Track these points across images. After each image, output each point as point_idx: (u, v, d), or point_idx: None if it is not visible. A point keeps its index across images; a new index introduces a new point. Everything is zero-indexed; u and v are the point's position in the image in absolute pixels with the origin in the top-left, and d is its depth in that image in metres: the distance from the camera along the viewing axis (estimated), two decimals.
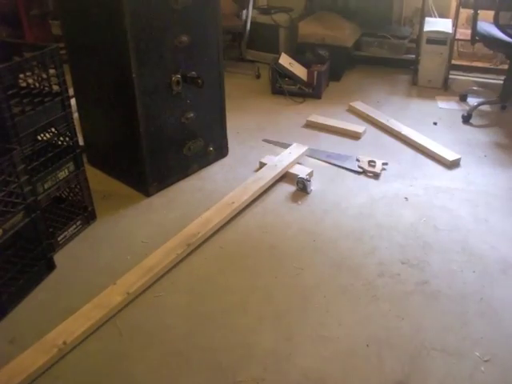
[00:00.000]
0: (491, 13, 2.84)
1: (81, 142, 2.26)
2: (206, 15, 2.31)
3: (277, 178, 2.48)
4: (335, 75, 3.74)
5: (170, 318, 1.74)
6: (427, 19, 3.68)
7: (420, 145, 2.80)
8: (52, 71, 1.87)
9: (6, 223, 1.68)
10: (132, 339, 1.66)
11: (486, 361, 1.56)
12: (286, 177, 2.53)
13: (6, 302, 1.75)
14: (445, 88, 3.60)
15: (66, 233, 2.08)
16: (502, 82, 3.29)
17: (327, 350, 1.61)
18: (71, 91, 2.14)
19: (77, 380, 1.53)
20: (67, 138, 2.01)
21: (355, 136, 2.94)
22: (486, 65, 3.95)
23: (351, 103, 3.29)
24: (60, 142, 2.00)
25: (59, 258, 2.00)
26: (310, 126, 3.06)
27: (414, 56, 3.75)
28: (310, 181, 2.41)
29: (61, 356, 1.57)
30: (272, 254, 2.04)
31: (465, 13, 3.71)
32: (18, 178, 1.70)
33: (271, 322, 1.72)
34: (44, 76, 1.86)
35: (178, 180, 2.51)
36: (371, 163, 2.61)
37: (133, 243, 2.09)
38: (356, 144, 2.88)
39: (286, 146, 2.76)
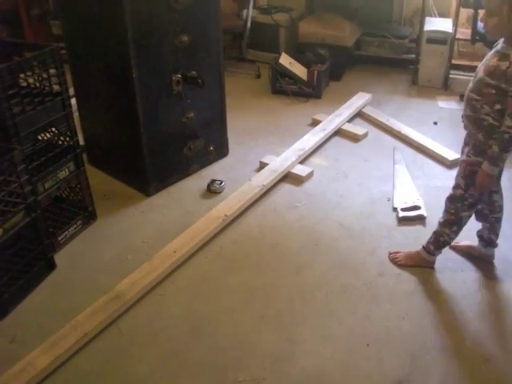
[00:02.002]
0: None
1: (81, 142, 2.27)
2: (207, 15, 2.31)
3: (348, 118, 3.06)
4: (335, 75, 3.73)
5: (170, 318, 1.74)
6: (427, 19, 3.68)
7: (420, 144, 2.80)
8: (52, 71, 1.88)
9: (7, 223, 1.68)
10: (133, 339, 1.66)
11: (486, 361, 1.56)
12: (287, 177, 2.53)
13: (6, 302, 1.75)
14: (445, 88, 3.60)
15: (66, 232, 2.08)
16: None
17: (327, 350, 1.61)
18: (71, 91, 2.14)
19: (78, 380, 1.54)
20: (68, 138, 2.01)
21: (355, 138, 2.93)
22: None
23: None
24: (60, 142, 2.00)
25: (60, 257, 2.00)
26: (315, 124, 3.06)
27: (414, 56, 3.74)
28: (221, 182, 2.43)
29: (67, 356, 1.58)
30: (273, 254, 2.04)
31: (465, 12, 3.71)
32: (19, 177, 1.71)
33: (272, 322, 1.72)
34: (44, 76, 1.87)
35: (179, 180, 2.51)
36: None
37: (133, 243, 2.10)
38: (356, 144, 2.88)
39: None
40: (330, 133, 2.90)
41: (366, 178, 2.53)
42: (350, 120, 3.10)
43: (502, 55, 1.52)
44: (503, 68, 1.49)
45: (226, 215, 2.16)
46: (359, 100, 3.26)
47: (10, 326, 1.72)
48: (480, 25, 3.04)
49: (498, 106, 1.53)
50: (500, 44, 1.56)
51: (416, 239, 2.09)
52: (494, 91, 1.52)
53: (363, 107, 3.22)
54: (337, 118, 3.04)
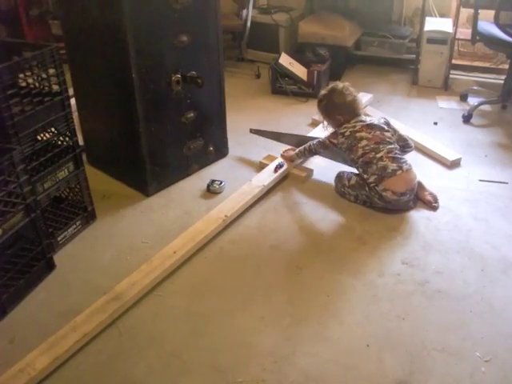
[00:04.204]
0: (492, 12, 2.84)
1: (81, 142, 2.26)
2: (206, 15, 2.31)
3: None
4: (335, 75, 3.73)
5: (170, 318, 1.74)
6: (428, 19, 3.68)
7: (420, 145, 2.80)
8: (52, 71, 1.87)
9: (6, 223, 1.67)
10: (132, 339, 1.66)
11: (486, 361, 1.56)
12: (287, 177, 2.53)
13: (6, 302, 1.75)
14: (445, 88, 3.59)
15: (65, 233, 2.07)
16: (502, 81, 3.28)
17: (327, 350, 1.61)
18: (71, 91, 2.14)
19: (77, 380, 1.53)
20: (67, 138, 2.00)
21: None
22: (487, 64, 3.95)
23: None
24: (60, 142, 2.00)
25: (59, 257, 1.99)
26: (315, 124, 3.06)
27: (414, 55, 3.74)
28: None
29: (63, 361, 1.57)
30: (272, 254, 2.03)
31: (465, 12, 3.71)
32: (18, 177, 1.70)
33: (271, 322, 1.72)
34: (44, 76, 1.86)
35: (178, 180, 2.51)
36: None
37: (133, 243, 2.09)
38: None
39: (275, 135, 2.81)
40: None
41: None
42: None
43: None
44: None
45: (226, 216, 2.15)
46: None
47: (9, 326, 1.71)
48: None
49: None
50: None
51: (416, 239, 2.09)
52: None
53: (364, 107, 3.21)
54: None
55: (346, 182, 2.28)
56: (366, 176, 2.21)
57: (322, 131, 2.61)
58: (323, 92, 2.38)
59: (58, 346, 1.56)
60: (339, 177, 2.34)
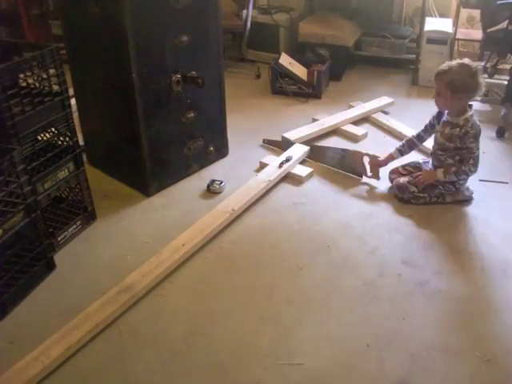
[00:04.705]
0: None
1: (81, 142, 2.26)
2: (207, 15, 2.31)
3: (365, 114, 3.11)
4: (335, 75, 3.73)
5: (170, 318, 1.74)
6: (428, 19, 3.67)
7: (420, 145, 2.79)
8: (52, 71, 1.87)
9: (6, 223, 1.68)
10: (132, 339, 1.66)
11: (486, 361, 1.56)
12: (287, 177, 2.53)
13: (6, 302, 1.75)
14: None
15: (66, 233, 2.07)
16: (502, 81, 3.28)
17: (327, 350, 1.61)
18: (71, 91, 2.14)
19: (78, 380, 1.53)
20: (67, 138, 2.00)
21: (354, 138, 2.93)
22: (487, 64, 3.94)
23: (351, 103, 3.29)
24: (60, 142, 2.00)
25: (59, 257, 2.00)
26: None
27: (414, 56, 3.74)
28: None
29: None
30: (272, 254, 2.03)
31: (465, 12, 3.71)
32: (18, 177, 1.70)
33: (272, 322, 1.72)
34: (44, 76, 1.86)
35: (178, 180, 2.51)
36: None
37: (133, 243, 2.09)
38: (356, 145, 2.87)
39: (286, 144, 2.76)
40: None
41: (365, 178, 2.52)
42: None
43: (452, 125, 2.18)
44: (456, 133, 2.16)
45: (233, 209, 2.17)
46: (380, 103, 3.24)
47: (9, 326, 1.72)
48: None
49: (457, 157, 2.22)
50: (445, 116, 2.23)
51: (416, 239, 2.09)
52: (453, 149, 2.21)
53: (376, 112, 3.17)
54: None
55: (415, 189, 2.26)
56: (463, 167, 2.18)
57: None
58: (455, 64, 2.12)
59: (70, 336, 1.59)
60: (403, 187, 2.29)
